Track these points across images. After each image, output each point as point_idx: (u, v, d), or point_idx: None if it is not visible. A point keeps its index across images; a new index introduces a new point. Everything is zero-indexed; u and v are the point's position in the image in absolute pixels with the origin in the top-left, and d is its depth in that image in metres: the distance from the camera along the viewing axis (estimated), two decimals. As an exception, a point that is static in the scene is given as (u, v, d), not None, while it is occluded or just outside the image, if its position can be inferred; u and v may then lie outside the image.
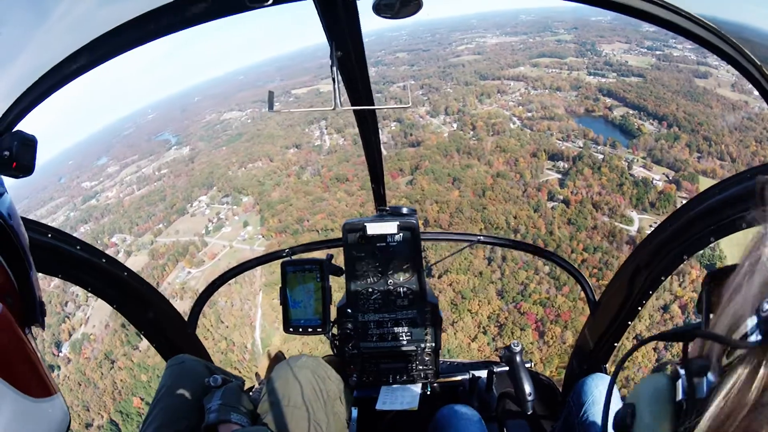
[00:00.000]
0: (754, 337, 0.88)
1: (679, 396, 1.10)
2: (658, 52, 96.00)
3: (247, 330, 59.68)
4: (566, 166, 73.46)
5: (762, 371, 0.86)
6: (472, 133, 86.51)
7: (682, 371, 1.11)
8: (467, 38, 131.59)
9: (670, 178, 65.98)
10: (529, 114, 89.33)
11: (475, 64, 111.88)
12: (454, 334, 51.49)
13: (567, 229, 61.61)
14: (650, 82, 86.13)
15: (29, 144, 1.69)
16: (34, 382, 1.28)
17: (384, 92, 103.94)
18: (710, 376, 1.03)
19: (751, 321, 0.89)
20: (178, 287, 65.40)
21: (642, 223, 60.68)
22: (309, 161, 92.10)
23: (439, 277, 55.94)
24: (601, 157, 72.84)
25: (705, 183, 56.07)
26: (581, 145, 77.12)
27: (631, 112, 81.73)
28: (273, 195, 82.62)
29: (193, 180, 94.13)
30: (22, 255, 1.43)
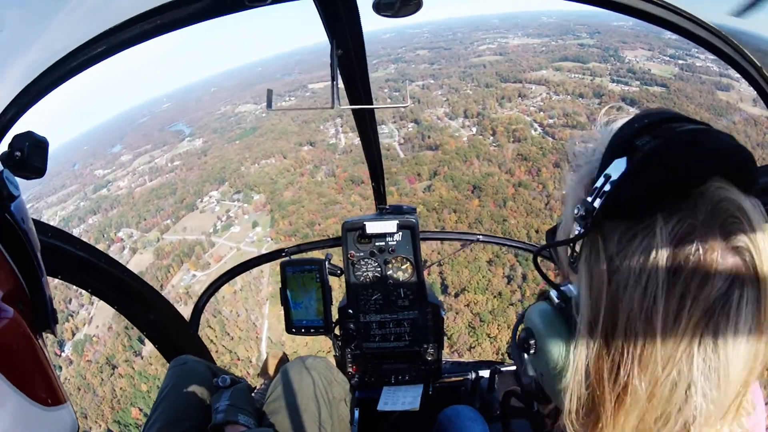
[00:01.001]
0: (581, 225, 1.05)
1: (556, 302, 1.20)
2: (680, 61, 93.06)
3: (253, 344, 56.75)
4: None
5: (600, 243, 1.02)
6: (492, 138, 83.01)
7: (550, 290, 1.22)
8: (489, 38, 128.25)
9: None
10: (551, 121, 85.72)
11: (496, 65, 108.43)
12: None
13: None
14: (674, 93, 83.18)
15: (41, 146, 1.62)
16: (45, 389, 1.29)
17: (402, 90, 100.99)
18: (571, 280, 1.20)
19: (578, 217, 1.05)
20: (183, 291, 62.27)
21: None
22: (323, 160, 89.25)
23: (456, 296, 53.13)
24: None
25: None
26: None
27: None
28: (285, 194, 79.75)
29: (204, 174, 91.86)
30: (33, 260, 1.45)
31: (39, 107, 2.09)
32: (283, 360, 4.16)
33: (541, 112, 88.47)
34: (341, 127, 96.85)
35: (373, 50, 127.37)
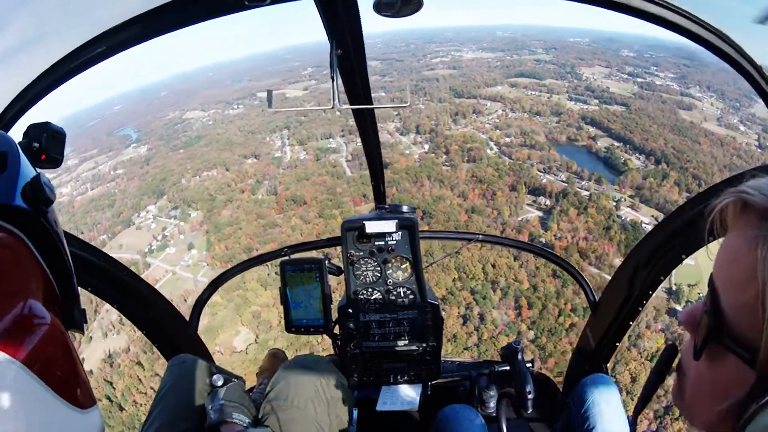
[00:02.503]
0: None
1: None
2: (639, 80, 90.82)
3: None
4: (549, 203, 63.56)
5: None
6: (445, 157, 76.18)
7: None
8: (443, 51, 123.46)
9: (659, 221, 57.02)
10: (508, 140, 79.78)
11: (450, 79, 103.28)
12: None
13: (552, 283, 51.04)
14: (635, 113, 79.35)
15: (58, 136, 1.61)
16: (82, 393, 1.29)
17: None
18: None
19: None
20: (116, 318, 51.70)
21: None
22: (267, 174, 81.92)
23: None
24: (586, 194, 63.97)
25: None
26: (564, 179, 68.09)
27: (616, 144, 74.32)
28: (223, 214, 72.19)
29: (144, 186, 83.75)
30: (66, 262, 1.47)
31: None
32: (282, 359, 4.32)
33: (498, 130, 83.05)
34: (288, 139, 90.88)
35: (323, 59, 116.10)
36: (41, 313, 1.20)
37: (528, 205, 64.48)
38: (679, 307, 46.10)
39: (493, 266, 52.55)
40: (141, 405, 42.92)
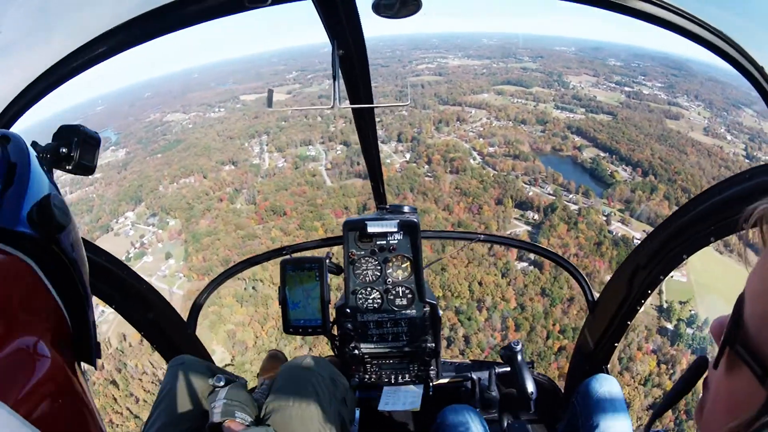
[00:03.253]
0: None
1: None
2: (627, 89, 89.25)
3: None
4: (537, 217, 60.72)
5: None
6: (427, 167, 73.18)
7: None
8: (428, 57, 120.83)
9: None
10: (492, 149, 76.84)
11: (435, 86, 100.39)
12: None
13: (540, 302, 48.49)
14: (621, 122, 77.70)
15: (91, 142, 1.55)
16: None
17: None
18: None
19: None
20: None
21: None
22: (245, 183, 78.71)
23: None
24: (575, 208, 61.47)
25: None
26: (552, 192, 65.47)
27: (602, 154, 72.24)
28: (201, 223, 69.24)
29: (122, 191, 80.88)
30: (80, 291, 1.37)
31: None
32: (279, 357, 4.26)
33: (481, 139, 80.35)
34: (266, 145, 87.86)
35: (309, 63, 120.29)
36: (41, 350, 1.10)
37: (516, 219, 61.69)
38: (670, 326, 44.51)
39: (480, 284, 49.85)
40: (117, 425, 41.16)
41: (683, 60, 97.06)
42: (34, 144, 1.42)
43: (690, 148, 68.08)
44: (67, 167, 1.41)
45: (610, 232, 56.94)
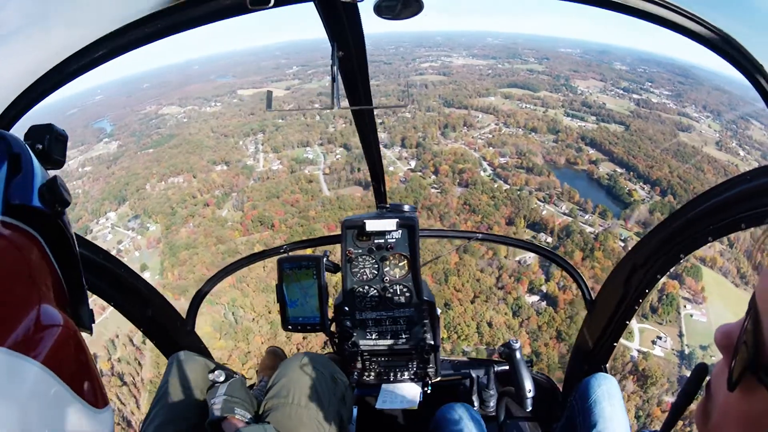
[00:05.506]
0: None
1: None
2: (635, 96, 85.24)
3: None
4: (550, 240, 54.05)
5: None
6: (434, 177, 66.40)
7: None
8: (432, 55, 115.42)
9: (671, 270, 48.94)
10: (503, 160, 70.50)
11: (440, 86, 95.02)
12: None
13: (556, 347, 41.61)
14: (635, 134, 73.00)
15: (61, 138, 1.62)
16: (95, 392, 1.30)
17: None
18: None
19: None
20: None
21: (643, 335, 43.82)
22: (235, 186, 72.05)
23: None
24: (591, 231, 55.46)
25: (708, 277, 47.69)
26: (567, 211, 59.47)
27: (619, 170, 67.07)
28: (181, 233, 62.87)
29: (108, 189, 75.61)
30: (77, 264, 1.48)
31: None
32: (278, 355, 4.21)
33: (491, 148, 74.33)
34: (262, 145, 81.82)
35: (311, 58, 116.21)
36: (55, 315, 1.21)
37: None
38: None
39: (489, 325, 42.96)
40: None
41: (688, 66, 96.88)
42: None
43: (707, 166, 64.07)
44: (42, 162, 1.44)
45: (627, 261, 50.31)
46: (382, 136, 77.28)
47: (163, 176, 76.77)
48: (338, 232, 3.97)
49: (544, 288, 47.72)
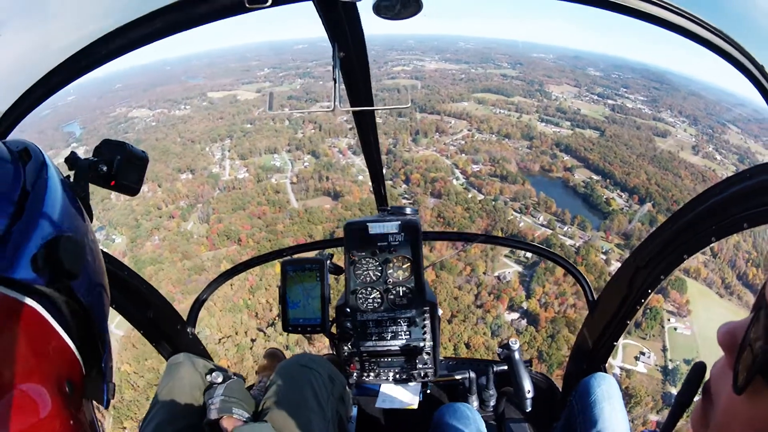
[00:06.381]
0: None
1: None
2: (610, 101, 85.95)
3: None
4: (529, 256, 50.18)
5: None
6: (405, 187, 64.08)
7: None
8: (404, 59, 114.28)
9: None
10: (476, 167, 68.52)
11: (412, 91, 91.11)
12: None
13: (538, 368, 36.91)
14: (611, 140, 72.50)
15: (137, 162, 1.46)
16: None
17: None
18: None
19: None
20: None
21: (626, 351, 42.90)
22: (201, 196, 69.11)
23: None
24: (571, 244, 53.52)
25: (693, 288, 48.24)
26: (545, 223, 57.55)
27: (595, 177, 66.18)
28: (146, 247, 59.99)
29: None
30: (96, 332, 1.22)
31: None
32: (278, 356, 4.09)
33: (464, 155, 72.53)
34: (228, 151, 78.87)
35: (283, 60, 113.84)
36: (39, 398, 0.98)
37: (506, 256, 52.20)
38: (674, 390, 38.74)
39: (467, 346, 40.29)
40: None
41: (662, 72, 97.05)
42: (73, 157, 1.39)
43: (684, 171, 64.25)
44: (107, 185, 1.33)
45: (610, 275, 47.60)
46: (351, 141, 76.17)
47: (127, 185, 72.64)
48: (344, 225, 3.84)
49: (524, 305, 45.55)
